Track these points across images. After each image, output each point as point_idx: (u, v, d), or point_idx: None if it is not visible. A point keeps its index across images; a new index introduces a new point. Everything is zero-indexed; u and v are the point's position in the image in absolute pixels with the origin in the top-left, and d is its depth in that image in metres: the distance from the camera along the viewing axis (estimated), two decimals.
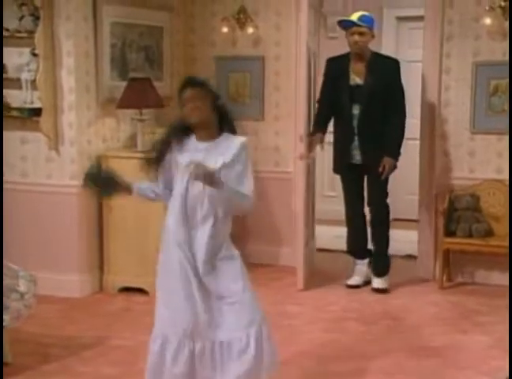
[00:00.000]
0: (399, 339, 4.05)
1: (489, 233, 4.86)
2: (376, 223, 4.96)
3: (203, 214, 2.81)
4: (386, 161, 4.73)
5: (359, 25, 4.64)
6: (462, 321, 4.35)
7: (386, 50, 7.08)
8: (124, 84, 4.86)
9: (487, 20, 4.85)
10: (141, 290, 4.77)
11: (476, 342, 4.00)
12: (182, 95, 2.86)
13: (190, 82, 2.89)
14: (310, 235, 5.31)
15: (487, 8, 4.84)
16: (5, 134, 4.78)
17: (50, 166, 4.78)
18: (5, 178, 4.80)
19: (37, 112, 4.65)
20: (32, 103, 4.68)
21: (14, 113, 4.72)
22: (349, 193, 4.99)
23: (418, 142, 5.40)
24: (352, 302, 4.72)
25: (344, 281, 5.07)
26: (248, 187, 2.82)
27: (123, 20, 5.01)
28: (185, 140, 2.88)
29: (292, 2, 5.32)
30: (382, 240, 4.98)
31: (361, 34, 4.65)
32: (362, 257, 5.06)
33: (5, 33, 4.64)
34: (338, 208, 7.14)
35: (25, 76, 4.64)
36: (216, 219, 2.83)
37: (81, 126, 4.74)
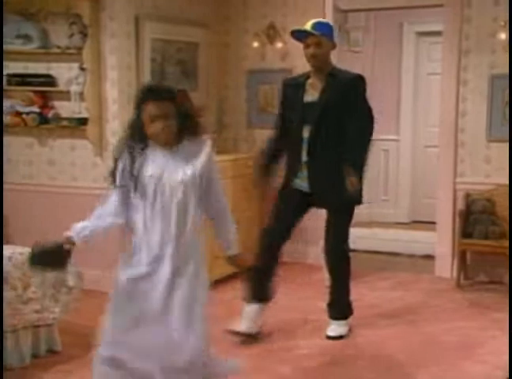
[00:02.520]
0: (419, 334, 4.06)
1: (504, 235, 4.84)
2: (332, 275, 3.95)
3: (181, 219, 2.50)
4: (347, 171, 3.64)
5: (313, 35, 3.72)
6: (479, 317, 4.34)
7: (407, 63, 7.14)
8: None
9: (503, 35, 4.84)
10: None
11: (493, 337, 3.99)
12: (147, 108, 2.44)
13: (158, 94, 2.46)
14: None
15: (502, 23, 4.84)
16: (57, 142, 4.92)
17: (95, 171, 4.87)
18: (56, 183, 4.94)
19: (84, 121, 4.75)
20: (79, 113, 4.77)
21: (64, 122, 4.82)
22: (277, 215, 3.88)
23: (437, 149, 5.40)
24: (374, 299, 4.73)
25: (364, 278, 5.07)
26: (226, 203, 2.63)
27: (162, 37, 5.09)
28: (144, 149, 2.51)
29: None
30: (336, 284, 3.96)
31: (318, 45, 3.71)
32: (259, 299, 3.90)
33: (56, 50, 4.75)
34: (359, 210, 7.20)
35: (74, 88, 4.73)
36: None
37: None
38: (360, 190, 3.74)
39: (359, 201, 3.83)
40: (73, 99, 4.74)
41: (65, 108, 4.83)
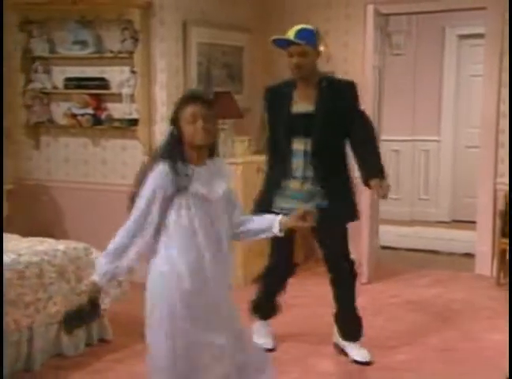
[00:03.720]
0: (458, 331, 4.02)
1: None
2: (339, 285, 3.62)
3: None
4: (375, 182, 3.31)
5: (297, 44, 3.33)
6: None
7: (449, 66, 7.04)
8: None
9: None
10: None
11: None
12: (186, 110, 2.30)
13: (198, 97, 2.36)
14: (374, 233, 5.28)
15: None
16: (110, 142, 5.02)
17: None
18: (109, 181, 5.04)
19: (135, 122, 4.84)
20: (130, 114, 4.86)
21: (116, 123, 4.92)
22: (278, 242, 3.25)
23: (478, 150, 5.31)
24: (412, 295, 4.69)
25: (404, 275, 5.02)
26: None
27: (209, 41, 5.15)
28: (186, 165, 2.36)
29: (360, 23, 5.33)
30: (348, 302, 3.61)
31: (302, 54, 3.31)
32: (265, 317, 3.74)
33: (109, 54, 4.86)
34: (401, 209, 7.16)
35: (125, 91, 4.81)
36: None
37: None
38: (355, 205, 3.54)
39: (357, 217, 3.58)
40: (125, 101, 4.83)
41: (117, 110, 4.92)
